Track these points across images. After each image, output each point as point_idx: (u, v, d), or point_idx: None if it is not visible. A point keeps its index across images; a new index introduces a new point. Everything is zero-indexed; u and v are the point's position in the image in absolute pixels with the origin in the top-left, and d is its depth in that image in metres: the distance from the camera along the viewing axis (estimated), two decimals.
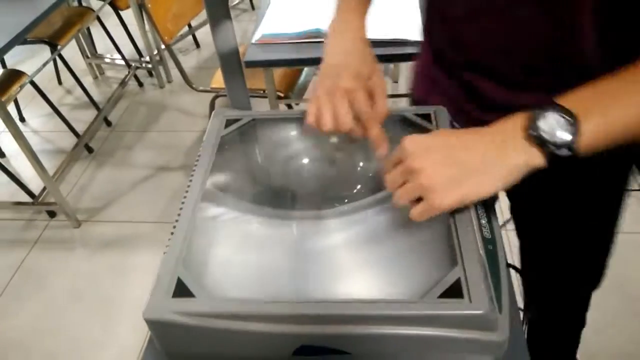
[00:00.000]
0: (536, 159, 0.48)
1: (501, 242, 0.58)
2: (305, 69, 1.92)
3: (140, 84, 2.86)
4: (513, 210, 0.89)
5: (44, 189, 2.05)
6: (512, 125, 0.49)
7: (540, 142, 0.47)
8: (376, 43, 1.39)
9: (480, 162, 0.49)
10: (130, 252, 1.92)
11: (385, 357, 0.53)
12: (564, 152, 0.47)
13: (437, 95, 0.75)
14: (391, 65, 2.66)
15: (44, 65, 2.24)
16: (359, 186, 0.61)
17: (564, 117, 0.47)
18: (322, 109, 0.59)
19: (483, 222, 0.59)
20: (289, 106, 1.90)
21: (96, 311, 1.73)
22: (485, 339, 0.48)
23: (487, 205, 0.61)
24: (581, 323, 1.06)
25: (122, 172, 2.30)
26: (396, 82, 2.62)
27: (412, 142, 0.52)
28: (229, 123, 0.71)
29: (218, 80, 1.97)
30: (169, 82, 2.86)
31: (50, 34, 2.30)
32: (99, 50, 2.96)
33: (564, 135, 0.46)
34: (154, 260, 1.87)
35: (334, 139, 0.67)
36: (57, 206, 2.02)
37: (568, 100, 0.48)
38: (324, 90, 0.61)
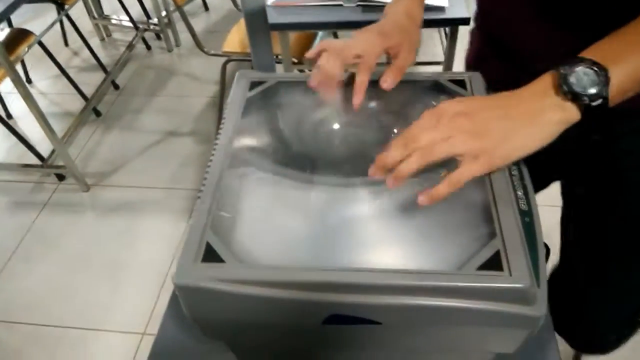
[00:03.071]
0: (572, 113, 0.49)
1: (537, 215, 0.56)
2: (320, 33, 1.88)
3: (148, 47, 2.80)
4: (565, 192, 0.88)
5: (53, 151, 2.03)
6: (543, 85, 0.50)
7: (573, 96, 0.48)
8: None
9: (524, 118, 0.50)
10: (139, 217, 1.92)
11: (418, 329, 0.52)
12: (598, 102, 0.48)
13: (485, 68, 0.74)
14: None
15: (52, 25, 2.20)
16: None
17: (591, 69, 0.48)
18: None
19: (519, 193, 0.57)
20: (302, 72, 1.86)
21: (105, 275, 1.74)
22: (524, 313, 0.47)
23: (523, 177, 0.59)
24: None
25: (131, 137, 2.28)
26: None
27: (453, 100, 0.52)
28: (253, 85, 0.69)
29: (230, 44, 1.92)
30: (177, 45, 2.81)
31: None
32: (106, 11, 2.90)
33: (595, 86, 0.48)
34: (162, 226, 1.88)
35: (373, 103, 0.64)
36: (66, 169, 2.01)
37: (592, 52, 0.50)
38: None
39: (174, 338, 0.72)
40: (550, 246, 1.07)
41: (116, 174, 2.10)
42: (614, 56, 0.49)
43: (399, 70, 0.62)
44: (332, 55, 0.61)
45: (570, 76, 0.48)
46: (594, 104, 0.48)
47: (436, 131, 0.50)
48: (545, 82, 0.50)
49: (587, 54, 0.50)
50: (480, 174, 0.50)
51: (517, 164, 0.61)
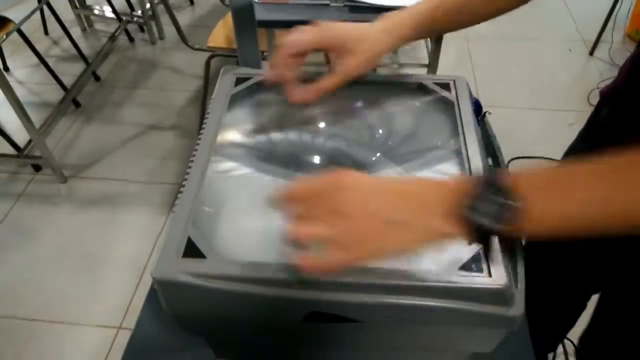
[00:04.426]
0: (462, 234, 0.42)
1: None
2: None
3: (131, 39, 2.76)
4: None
5: (30, 141, 1.99)
6: (448, 192, 0.42)
7: (469, 221, 0.41)
8: (372, 9, 1.37)
9: (407, 220, 0.42)
10: (118, 211, 1.89)
11: (397, 328, 0.52)
12: (493, 235, 0.42)
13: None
14: None
15: (32, 12, 2.15)
16: (378, 154, 0.59)
17: (504, 204, 0.40)
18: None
19: None
20: None
21: (81, 268, 1.71)
22: (502, 313, 0.48)
23: None
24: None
25: (111, 129, 2.24)
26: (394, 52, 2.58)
27: (341, 178, 0.44)
28: (238, 82, 0.69)
29: (215, 39, 1.90)
30: (161, 38, 2.78)
31: None
32: (88, 1, 2.84)
33: (496, 223, 0.40)
34: (141, 220, 1.85)
35: (358, 104, 0.65)
36: (42, 160, 1.97)
37: (521, 181, 0.41)
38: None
39: (151, 333, 0.71)
40: None
41: (95, 166, 2.07)
42: (540, 196, 0.41)
43: (328, 82, 0.59)
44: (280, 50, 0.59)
45: (477, 201, 0.41)
46: (487, 233, 0.41)
47: (306, 219, 0.43)
48: (450, 190, 0.42)
49: (516, 180, 0.41)
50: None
51: (498, 167, 0.62)
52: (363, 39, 0.60)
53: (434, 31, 0.65)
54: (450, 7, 0.63)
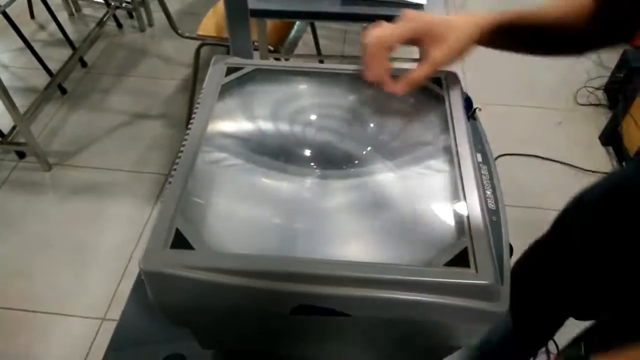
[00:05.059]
0: None
1: (504, 214, 0.58)
2: (297, 23, 1.86)
3: (120, 25, 2.72)
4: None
5: (14, 127, 1.96)
6: None
7: None
8: (376, 2, 1.37)
9: None
10: (103, 200, 1.87)
11: (386, 322, 0.53)
12: None
13: None
14: None
15: None
16: (368, 148, 0.59)
17: None
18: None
19: (488, 193, 0.58)
20: (277, 60, 1.84)
21: (65, 257, 1.69)
22: (487, 309, 0.48)
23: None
24: None
25: (97, 117, 2.21)
26: None
27: None
28: (229, 71, 0.68)
29: (205, 27, 1.88)
30: (150, 25, 2.74)
31: None
32: None
33: None
34: (127, 209, 1.84)
35: (349, 97, 0.64)
36: (27, 147, 1.94)
37: None
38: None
39: (136, 324, 0.71)
40: (514, 246, 1.10)
41: (81, 154, 2.04)
42: None
43: (419, 72, 0.59)
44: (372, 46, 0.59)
45: None
46: None
47: None
48: None
49: None
50: None
51: (487, 163, 0.62)
52: (453, 28, 0.59)
53: (513, 39, 0.64)
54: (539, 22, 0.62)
